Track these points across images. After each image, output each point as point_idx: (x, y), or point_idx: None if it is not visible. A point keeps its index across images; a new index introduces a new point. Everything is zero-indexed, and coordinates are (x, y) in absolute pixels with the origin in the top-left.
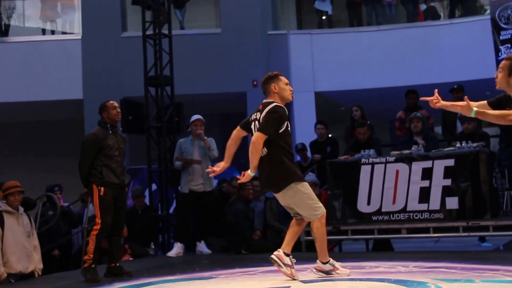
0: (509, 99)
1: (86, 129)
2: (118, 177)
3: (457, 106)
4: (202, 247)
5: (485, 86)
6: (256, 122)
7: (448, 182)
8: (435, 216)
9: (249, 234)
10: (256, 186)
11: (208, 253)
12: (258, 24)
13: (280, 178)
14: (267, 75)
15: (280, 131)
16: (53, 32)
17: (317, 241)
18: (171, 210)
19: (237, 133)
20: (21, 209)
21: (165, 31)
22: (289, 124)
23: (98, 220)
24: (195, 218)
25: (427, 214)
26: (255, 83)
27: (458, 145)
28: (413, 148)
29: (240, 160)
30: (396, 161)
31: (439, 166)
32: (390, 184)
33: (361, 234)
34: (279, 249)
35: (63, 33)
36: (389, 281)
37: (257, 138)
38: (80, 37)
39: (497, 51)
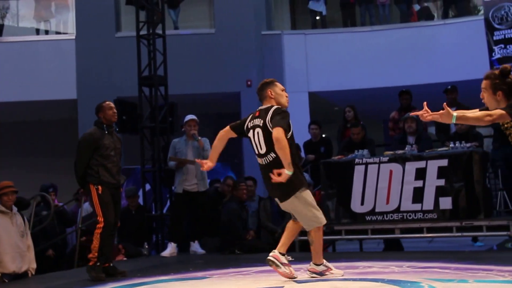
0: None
1: (80, 129)
2: (114, 177)
3: (436, 115)
4: (195, 247)
5: (479, 87)
6: (258, 129)
7: (441, 182)
8: (429, 216)
9: (242, 234)
10: (250, 186)
11: (202, 253)
12: (252, 24)
13: (287, 186)
14: (262, 81)
15: (288, 136)
16: (47, 32)
17: (314, 244)
18: (164, 210)
19: (225, 133)
20: (14, 209)
21: (159, 31)
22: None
23: (101, 219)
24: (189, 218)
25: (420, 214)
26: (249, 83)
27: (451, 145)
28: (406, 148)
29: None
30: (389, 161)
31: (432, 166)
32: (383, 184)
33: (355, 234)
34: (274, 250)
35: (57, 33)
36: (382, 281)
37: (279, 132)
38: (74, 37)
39: (490, 51)
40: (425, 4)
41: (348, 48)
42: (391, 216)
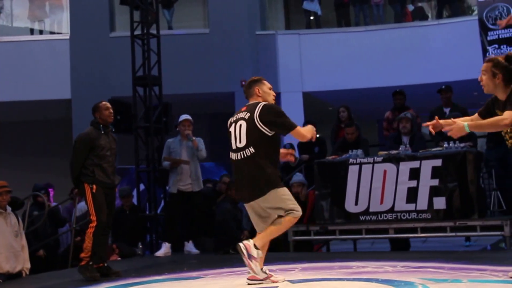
0: (496, 101)
1: (74, 128)
2: (109, 177)
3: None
4: (190, 247)
5: (473, 87)
6: (242, 121)
7: (435, 182)
8: (423, 216)
9: (237, 234)
10: None
11: (196, 253)
12: (246, 24)
13: (265, 181)
14: (250, 79)
15: (272, 133)
16: (41, 32)
17: (272, 230)
18: (159, 210)
19: None
20: (8, 208)
21: (153, 31)
22: None
23: (93, 218)
24: (183, 218)
25: (414, 214)
26: (243, 83)
27: (445, 145)
28: (400, 148)
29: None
30: (383, 161)
31: (426, 166)
32: (377, 184)
33: (349, 234)
34: (250, 239)
35: (51, 33)
36: (376, 281)
37: (299, 132)
38: (68, 37)
39: (484, 51)
40: (419, 4)
41: (342, 48)
42: (385, 216)
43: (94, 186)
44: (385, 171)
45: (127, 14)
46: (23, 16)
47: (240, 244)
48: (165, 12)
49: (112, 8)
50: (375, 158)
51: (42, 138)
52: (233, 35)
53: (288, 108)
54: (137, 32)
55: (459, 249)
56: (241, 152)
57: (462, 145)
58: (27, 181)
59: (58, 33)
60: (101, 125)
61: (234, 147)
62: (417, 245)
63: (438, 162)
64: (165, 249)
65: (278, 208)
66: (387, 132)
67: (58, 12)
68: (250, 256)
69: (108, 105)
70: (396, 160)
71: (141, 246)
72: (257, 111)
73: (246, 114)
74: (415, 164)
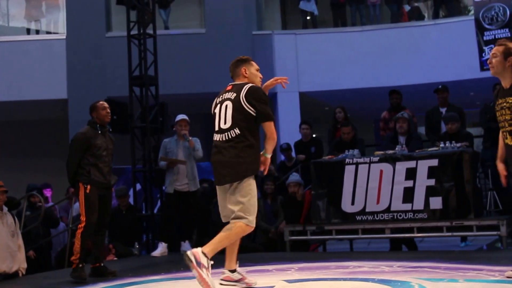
0: (497, 95)
1: (70, 128)
2: (105, 177)
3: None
4: (186, 247)
5: (469, 87)
6: (228, 101)
7: (432, 182)
8: (419, 216)
9: None
10: None
11: None
12: (242, 24)
13: (245, 166)
14: (237, 57)
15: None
16: (37, 32)
17: (222, 237)
18: (155, 210)
19: None
20: (5, 208)
21: (149, 31)
22: None
23: (83, 218)
24: (180, 218)
25: (411, 214)
26: None
27: (442, 145)
28: (397, 148)
29: None
30: (380, 161)
31: (423, 166)
32: (374, 184)
33: (345, 234)
34: (198, 247)
35: (48, 32)
36: (373, 280)
37: (272, 128)
38: (64, 37)
39: (481, 51)
40: (416, 4)
41: (338, 48)
42: (382, 216)
43: (88, 186)
44: (381, 171)
45: (124, 14)
46: (20, 16)
47: (188, 252)
48: (162, 12)
49: (108, 8)
50: (372, 158)
51: (39, 138)
52: (229, 35)
53: (285, 108)
54: (134, 32)
55: (455, 249)
56: (225, 134)
57: (458, 145)
58: (23, 181)
59: (54, 33)
60: (98, 125)
61: (217, 128)
62: None
63: (434, 162)
64: (161, 249)
65: (239, 203)
66: (384, 132)
67: (55, 12)
68: (199, 264)
69: (106, 104)
70: (392, 160)
71: (137, 246)
72: (244, 92)
73: (233, 94)
74: (411, 164)
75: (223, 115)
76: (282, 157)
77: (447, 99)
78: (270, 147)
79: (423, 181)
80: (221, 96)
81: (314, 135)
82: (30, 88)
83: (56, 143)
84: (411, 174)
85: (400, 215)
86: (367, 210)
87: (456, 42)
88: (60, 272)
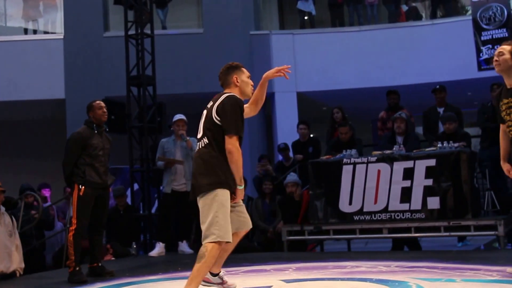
0: (500, 94)
1: (68, 129)
2: (101, 177)
3: None
4: (184, 246)
5: (467, 87)
6: (205, 111)
7: (429, 182)
8: (417, 216)
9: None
10: None
11: (190, 253)
12: (240, 24)
13: (216, 177)
14: (227, 64)
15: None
16: (35, 32)
17: (199, 268)
18: (153, 210)
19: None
20: (2, 208)
21: (147, 31)
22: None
23: (74, 221)
24: (177, 218)
25: (408, 214)
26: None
27: (439, 145)
28: (394, 148)
29: None
30: (377, 161)
31: (420, 166)
32: (371, 184)
33: (343, 234)
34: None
35: (45, 32)
36: (370, 280)
37: (232, 144)
38: (62, 37)
39: (478, 51)
40: (413, 4)
41: (336, 48)
42: (379, 216)
43: (83, 188)
44: (379, 171)
45: (121, 14)
46: (17, 15)
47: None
48: (159, 11)
49: (106, 8)
50: (369, 158)
51: (36, 138)
52: (227, 35)
53: (282, 108)
54: (131, 32)
55: (453, 249)
56: (199, 144)
57: (456, 145)
58: (20, 181)
59: (52, 33)
60: (94, 125)
61: (197, 136)
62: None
63: (432, 162)
64: (159, 249)
65: (203, 222)
66: (382, 132)
67: (52, 12)
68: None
69: (102, 104)
70: (390, 160)
71: (135, 246)
72: (219, 101)
73: (210, 104)
74: (409, 164)
75: (200, 124)
76: (280, 157)
77: (445, 99)
78: (235, 173)
79: (420, 181)
80: (206, 107)
81: (311, 135)
82: (27, 88)
83: (54, 143)
84: (408, 174)
85: (397, 215)
86: (364, 210)
87: (453, 42)
88: (58, 272)
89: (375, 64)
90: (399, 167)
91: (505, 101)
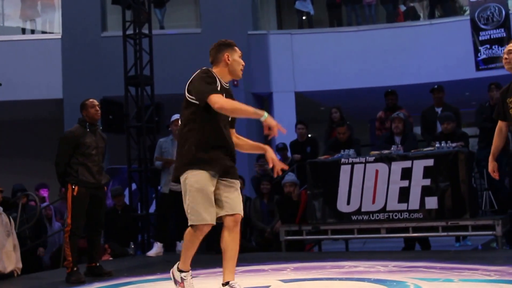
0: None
1: (66, 128)
2: (94, 177)
3: None
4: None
5: (465, 87)
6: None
7: (427, 182)
8: (415, 216)
9: None
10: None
11: None
12: (238, 24)
13: (182, 162)
14: (219, 41)
15: (203, 104)
16: (33, 32)
17: (185, 245)
18: (151, 210)
19: None
20: (0, 208)
21: (145, 30)
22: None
23: (69, 221)
24: (175, 218)
25: (406, 214)
26: (235, 83)
27: (437, 145)
28: (392, 148)
29: None
30: (375, 161)
31: (418, 166)
32: (369, 184)
33: (341, 234)
34: (175, 265)
35: (43, 32)
36: (368, 280)
37: (216, 101)
38: (60, 37)
39: (476, 51)
40: (411, 4)
41: (334, 48)
42: (377, 216)
43: (76, 188)
44: (377, 171)
45: (119, 14)
46: (15, 15)
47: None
48: (157, 11)
49: (104, 8)
50: (367, 158)
51: (34, 138)
52: (225, 35)
53: (280, 108)
54: (129, 31)
55: (450, 249)
56: (185, 127)
57: (453, 145)
58: (18, 182)
59: (50, 33)
60: (87, 123)
61: None
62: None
63: (430, 162)
64: (157, 249)
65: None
66: (380, 132)
67: (50, 12)
68: (176, 282)
69: (95, 102)
70: (388, 160)
71: (133, 246)
72: (188, 82)
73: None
74: (407, 164)
75: None
76: (278, 157)
77: (443, 99)
78: (244, 113)
79: (418, 181)
80: None
81: (309, 135)
82: (25, 88)
83: (52, 143)
84: (406, 174)
85: (395, 215)
86: (362, 210)
87: (451, 42)
88: (55, 272)
89: (373, 64)
90: (397, 167)
91: (511, 99)
